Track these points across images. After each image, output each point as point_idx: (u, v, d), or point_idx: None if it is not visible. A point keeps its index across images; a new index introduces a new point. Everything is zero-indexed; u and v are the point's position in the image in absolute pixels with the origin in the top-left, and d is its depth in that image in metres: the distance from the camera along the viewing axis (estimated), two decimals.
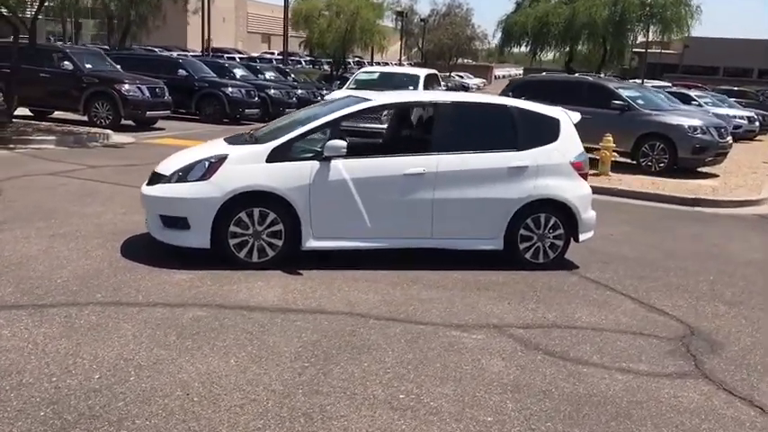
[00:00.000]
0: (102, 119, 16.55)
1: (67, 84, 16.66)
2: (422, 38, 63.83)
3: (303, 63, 46.48)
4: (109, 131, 15.41)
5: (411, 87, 15.70)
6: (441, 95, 7.38)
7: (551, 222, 6.96)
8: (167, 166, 6.56)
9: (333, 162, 6.36)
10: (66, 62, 16.78)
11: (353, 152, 6.59)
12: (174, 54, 29.48)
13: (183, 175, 6.34)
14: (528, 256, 6.97)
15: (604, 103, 14.82)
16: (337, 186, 6.37)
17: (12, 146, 12.93)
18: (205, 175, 6.23)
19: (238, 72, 23.28)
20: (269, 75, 25.72)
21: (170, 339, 4.62)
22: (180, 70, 20.51)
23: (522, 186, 6.81)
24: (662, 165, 14.34)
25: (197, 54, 35.97)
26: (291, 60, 45.16)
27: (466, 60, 75.79)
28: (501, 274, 6.72)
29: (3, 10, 14.71)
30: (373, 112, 8.22)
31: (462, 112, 7.10)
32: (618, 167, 14.32)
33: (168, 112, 18.11)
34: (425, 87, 16.10)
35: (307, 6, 40.22)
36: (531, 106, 7.26)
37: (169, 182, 6.35)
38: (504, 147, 6.87)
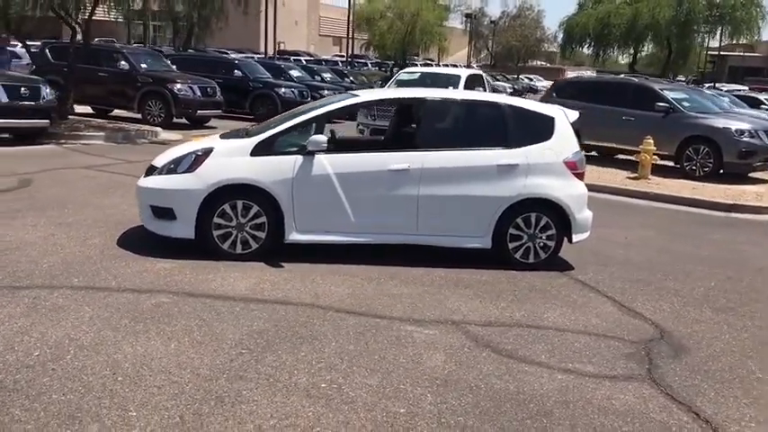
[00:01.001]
0: (155, 117, 17.21)
1: (124, 83, 17.43)
2: (491, 40, 63.31)
3: (369, 65, 46.85)
4: (158, 129, 16.03)
5: (451, 88, 15.63)
6: (430, 92, 7.35)
7: (543, 222, 6.84)
8: (161, 159, 6.80)
9: (317, 157, 6.44)
10: (122, 62, 17.51)
11: (342, 147, 6.65)
12: (242, 56, 30.21)
13: (174, 167, 6.55)
14: (518, 255, 6.87)
15: (649, 105, 14.41)
16: (321, 180, 6.44)
17: (63, 141, 13.60)
18: (191, 168, 6.42)
19: (294, 73, 23.76)
20: (326, 76, 26.13)
21: (123, 323, 4.80)
22: (236, 71, 21.13)
23: (512, 185, 6.72)
24: (706, 169, 13.77)
25: (262, 56, 36.75)
26: (358, 62, 45.66)
27: (539, 62, 74.69)
28: (488, 272, 6.65)
29: (61, 12, 15.49)
30: (361, 109, 8.23)
31: (452, 110, 7.08)
32: (661, 171, 13.86)
33: (220, 111, 18.58)
34: (467, 88, 16.01)
35: (369, 9, 40.66)
36: (524, 104, 7.16)
37: (160, 173, 6.58)
38: (494, 144, 6.81)
